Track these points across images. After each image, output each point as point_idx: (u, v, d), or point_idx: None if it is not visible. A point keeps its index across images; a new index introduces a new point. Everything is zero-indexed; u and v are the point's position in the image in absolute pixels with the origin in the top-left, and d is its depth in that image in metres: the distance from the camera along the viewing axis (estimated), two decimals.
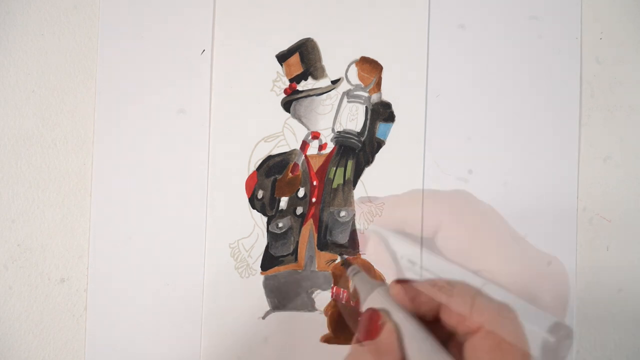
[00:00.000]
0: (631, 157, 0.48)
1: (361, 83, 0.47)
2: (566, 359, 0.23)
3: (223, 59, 0.47)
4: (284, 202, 0.47)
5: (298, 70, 0.47)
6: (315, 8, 0.47)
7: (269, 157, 0.47)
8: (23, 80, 0.46)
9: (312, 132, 0.47)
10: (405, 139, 0.47)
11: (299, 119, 0.47)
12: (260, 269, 0.46)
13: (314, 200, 0.47)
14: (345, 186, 0.47)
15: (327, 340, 0.46)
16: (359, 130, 0.47)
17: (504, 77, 0.47)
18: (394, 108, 0.47)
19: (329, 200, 0.47)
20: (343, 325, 0.46)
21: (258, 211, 0.46)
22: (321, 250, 0.47)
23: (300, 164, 0.47)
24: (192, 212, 0.46)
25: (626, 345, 0.47)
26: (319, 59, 0.47)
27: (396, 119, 0.47)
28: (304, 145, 0.47)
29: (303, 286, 0.47)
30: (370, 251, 0.30)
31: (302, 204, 0.47)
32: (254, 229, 0.46)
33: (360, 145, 0.47)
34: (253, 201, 0.46)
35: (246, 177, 0.46)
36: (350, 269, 0.37)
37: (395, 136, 0.47)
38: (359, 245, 0.31)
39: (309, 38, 0.47)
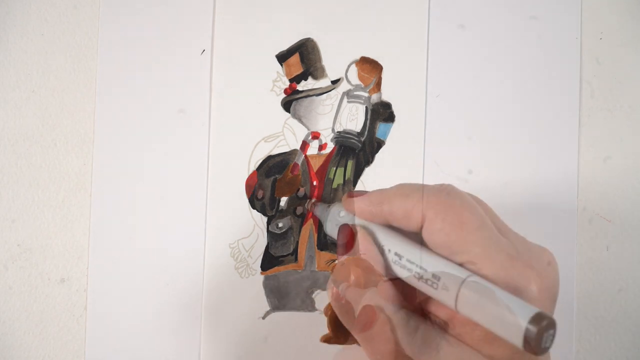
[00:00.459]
0: (631, 157, 0.48)
1: (361, 83, 0.47)
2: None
3: (223, 59, 0.47)
4: (283, 202, 0.47)
5: (298, 70, 0.47)
6: (315, 8, 0.47)
7: (269, 157, 0.47)
8: (23, 80, 0.46)
9: (312, 132, 0.47)
10: (405, 139, 0.47)
11: (299, 119, 0.47)
12: (260, 269, 0.46)
13: (314, 200, 0.47)
14: (345, 186, 0.47)
15: (327, 340, 0.46)
16: (359, 130, 0.47)
17: (503, 77, 0.47)
18: (394, 108, 0.47)
19: (329, 200, 0.47)
20: (343, 325, 0.46)
21: (258, 211, 0.46)
22: (321, 250, 0.47)
23: (300, 164, 0.47)
24: (192, 212, 0.46)
25: (626, 345, 0.47)
26: (319, 59, 0.47)
27: (396, 119, 0.47)
28: (304, 145, 0.47)
29: (303, 286, 0.47)
30: (358, 245, 0.31)
31: (302, 204, 0.47)
32: (254, 229, 0.46)
33: (360, 145, 0.47)
34: (253, 201, 0.46)
35: (246, 177, 0.46)
36: (309, 203, 0.38)
37: (395, 136, 0.47)
38: (345, 242, 0.32)
39: (309, 38, 0.47)
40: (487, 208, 0.30)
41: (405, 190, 0.30)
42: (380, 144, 0.47)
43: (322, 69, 0.47)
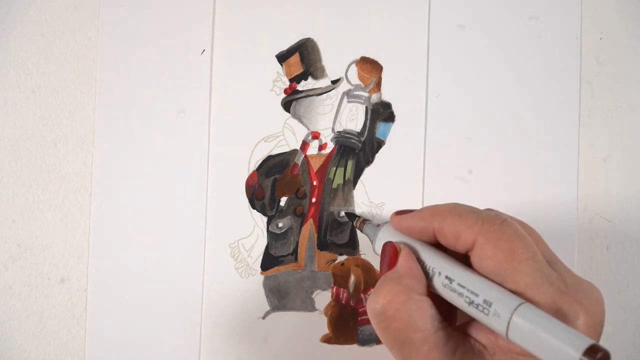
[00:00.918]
0: (631, 157, 0.48)
1: (361, 83, 0.47)
2: None
3: (223, 59, 0.47)
4: (283, 202, 0.47)
5: (298, 70, 0.47)
6: (315, 8, 0.47)
7: (269, 157, 0.47)
8: (23, 80, 0.46)
9: (312, 132, 0.47)
10: (405, 139, 0.47)
11: (299, 119, 0.47)
12: (260, 269, 0.46)
13: (314, 200, 0.47)
14: (345, 186, 0.47)
15: (327, 340, 0.46)
16: (359, 130, 0.47)
17: (504, 77, 0.47)
18: (394, 108, 0.47)
19: (329, 200, 0.47)
20: (343, 325, 0.46)
21: (258, 211, 0.46)
22: (321, 250, 0.47)
23: (300, 164, 0.47)
24: (192, 212, 0.46)
25: (626, 345, 0.47)
26: (319, 59, 0.47)
27: (396, 119, 0.47)
28: (304, 145, 0.47)
29: (303, 286, 0.47)
30: (401, 263, 0.31)
31: (302, 204, 0.47)
32: (254, 229, 0.46)
33: (360, 145, 0.47)
34: (253, 201, 0.46)
35: (246, 177, 0.46)
36: (355, 219, 0.38)
37: (395, 136, 0.47)
38: (388, 260, 0.32)
39: (309, 38, 0.47)
40: (539, 239, 0.30)
41: (459, 210, 0.30)
42: (380, 144, 0.47)
43: (322, 69, 0.47)
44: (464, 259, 0.30)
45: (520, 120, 0.47)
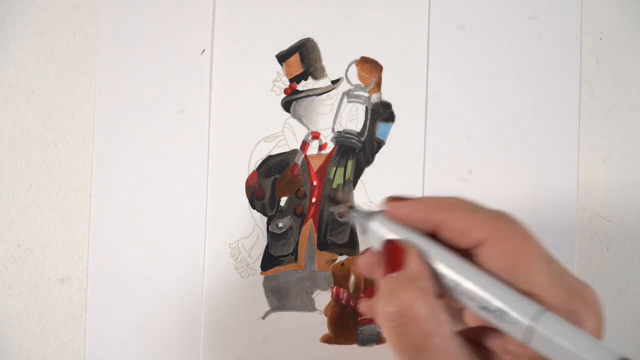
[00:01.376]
0: (631, 157, 0.48)
1: (361, 83, 0.47)
2: None
3: (223, 59, 0.47)
4: (284, 202, 0.47)
5: (298, 70, 0.47)
6: (315, 8, 0.47)
7: (269, 157, 0.47)
8: (23, 80, 0.46)
9: (312, 132, 0.47)
10: (405, 139, 0.47)
11: (299, 119, 0.47)
12: (260, 269, 0.46)
13: (314, 200, 0.47)
14: (345, 186, 0.47)
15: (327, 340, 0.46)
16: (359, 130, 0.47)
17: (503, 77, 0.47)
18: (394, 108, 0.47)
19: (329, 200, 0.47)
20: (343, 325, 0.46)
21: (258, 211, 0.46)
22: (321, 250, 0.47)
23: (300, 164, 0.47)
24: (192, 212, 0.46)
25: (626, 345, 0.47)
26: (319, 59, 0.47)
27: (396, 119, 0.47)
28: (304, 145, 0.47)
29: (303, 286, 0.47)
30: (413, 265, 0.28)
31: (302, 204, 0.47)
32: (254, 229, 0.46)
33: (360, 145, 0.47)
34: (253, 201, 0.46)
35: (246, 177, 0.46)
36: (338, 208, 0.34)
37: (395, 136, 0.47)
38: (393, 260, 0.29)
39: (309, 38, 0.47)
40: (539, 240, 0.30)
41: (467, 205, 0.29)
42: (380, 144, 0.47)
43: (322, 69, 0.47)
44: (463, 254, 0.29)
45: (520, 120, 0.47)
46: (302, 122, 0.47)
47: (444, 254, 0.28)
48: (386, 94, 0.47)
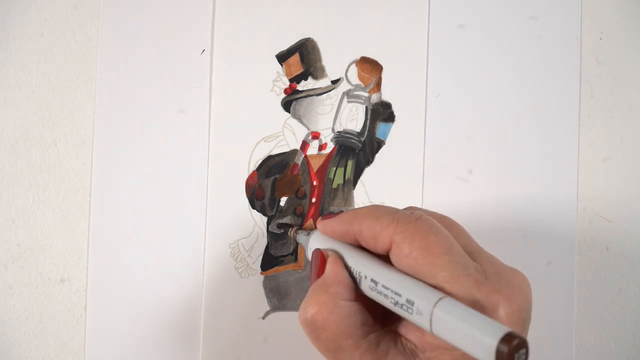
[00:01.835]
0: (631, 157, 0.48)
1: (361, 83, 0.47)
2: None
3: (223, 59, 0.47)
4: (284, 202, 0.47)
5: (298, 70, 0.47)
6: (315, 8, 0.47)
7: (269, 157, 0.47)
8: (23, 80, 0.46)
9: (312, 132, 0.47)
10: (405, 139, 0.47)
11: (299, 119, 0.47)
12: (260, 269, 0.46)
13: (314, 200, 0.47)
14: (345, 186, 0.47)
15: None
16: (359, 130, 0.47)
17: (503, 77, 0.47)
18: (394, 108, 0.47)
19: (329, 201, 0.47)
20: None
21: (258, 211, 0.46)
22: None
23: (300, 164, 0.47)
24: (192, 212, 0.46)
25: (626, 345, 0.47)
26: (319, 59, 0.47)
27: (396, 119, 0.47)
28: (304, 145, 0.47)
29: (303, 286, 0.47)
30: (329, 270, 0.31)
31: (302, 204, 0.47)
32: (254, 229, 0.46)
33: (360, 145, 0.47)
34: (253, 201, 0.46)
35: (246, 177, 0.46)
36: (290, 229, 0.39)
37: (395, 136, 0.47)
38: (317, 268, 0.32)
39: (309, 38, 0.47)
40: (459, 230, 0.31)
41: (376, 212, 0.30)
42: (380, 144, 0.47)
43: (322, 69, 0.47)
44: (388, 260, 0.30)
45: (520, 120, 0.47)
46: (302, 122, 0.47)
47: (358, 259, 0.31)
48: (386, 94, 0.47)
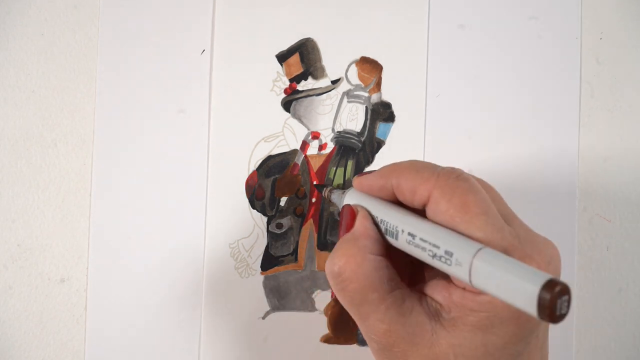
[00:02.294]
0: (631, 157, 0.48)
1: (361, 83, 0.47)
2: (567, 317, 0.23)
3: (223, 59, 0.47)
4: (284, 202, 0.47)
5: (298, 70, 0.47)
6: (315, 8, 0.47)
7: (269, 157, 0.47)
8: (23, 80, 0.46)
9: (312, 132, 0.47)
10: (405, 139, 0.47)
11: (299, 119, 0.47)
12: (260, 269, 0.46)
13: (314, 200, 0.47)
14: (345, 186, 0.47)
15: (327, 340, 0.46)
16: (359, 130, 0.47)
17: (503, 77, 0.47)
18: (394, 108, 0.47)
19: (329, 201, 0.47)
20: (343, 325, 0.46)
21: (258, 211, 0.46)
22: (321, 250, 0.47)
23: (300, 164, 0.47)
24: (192, 212, 0.46)
25: (626, 345, 0.47)
26: (319, 59, 0.47)
27: (396, 119, 0.47)
28: (304, 145, 0.47)
29: (303, 286, 0.47)
30: (358, 225, 0.31)
31: (302, 204, 0.47)
32: (254, 229, 0.46)
33: (360, 145, 0.47)
34: (253, 201, 0.46)
35: (246, 177, 0.46)
36: (323, 189, 0.38)
37: (395, 136, 0.47)
38: (346, 223, 0.32)
39: (309, 38, 0.47)
40: (495, 194, 0.30)
41: (417, 165, 0.30)
42: (380, 144, 0.47)
43: (322, 69, 0.47)
44: (424, 214, 0.30)
45: (520, 120, 0.47)
46: (302, 122, 0.47)
47: (395, 213, 0.30)
48: (386, 94, 0.47)
